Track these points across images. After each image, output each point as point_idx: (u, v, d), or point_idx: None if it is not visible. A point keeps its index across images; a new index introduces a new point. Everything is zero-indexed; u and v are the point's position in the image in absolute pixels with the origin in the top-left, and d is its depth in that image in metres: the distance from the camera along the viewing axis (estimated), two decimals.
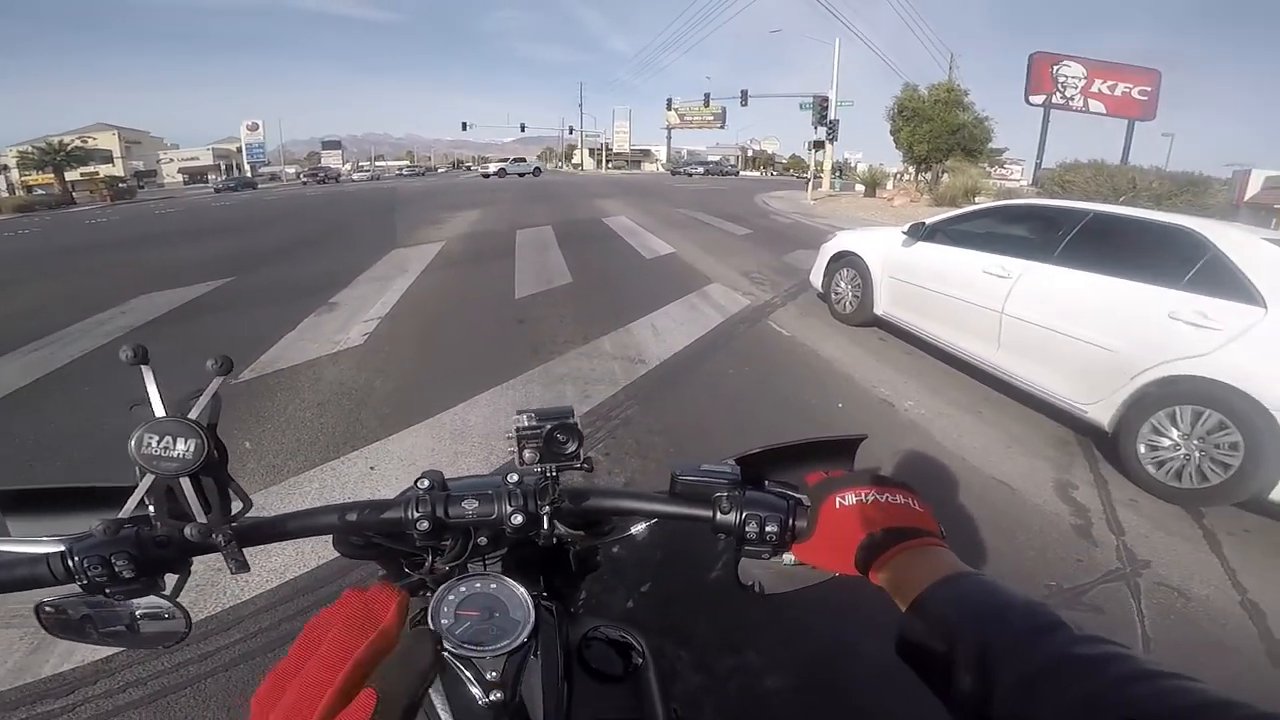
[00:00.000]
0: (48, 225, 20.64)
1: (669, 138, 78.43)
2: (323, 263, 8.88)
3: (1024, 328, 3.61)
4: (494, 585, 0.61)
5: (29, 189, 42.91)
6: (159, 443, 0.50)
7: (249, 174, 60.56)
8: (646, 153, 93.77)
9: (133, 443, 0.49)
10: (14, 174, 45.55)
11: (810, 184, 24.89)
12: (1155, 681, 0.35)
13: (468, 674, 0.55)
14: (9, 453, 3.22)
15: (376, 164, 76.80)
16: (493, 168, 56.15)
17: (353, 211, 18.72)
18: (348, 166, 67.71)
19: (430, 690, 0.54)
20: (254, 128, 72.03)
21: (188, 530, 0.51)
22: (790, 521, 0.58)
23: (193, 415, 0.51)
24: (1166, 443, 2.86)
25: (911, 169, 24.48)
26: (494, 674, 0.54)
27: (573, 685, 0.62)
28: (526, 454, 0.62)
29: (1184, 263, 3.06)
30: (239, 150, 71.74)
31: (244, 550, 0.56)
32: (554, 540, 0.64)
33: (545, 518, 0.61)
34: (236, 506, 0.55)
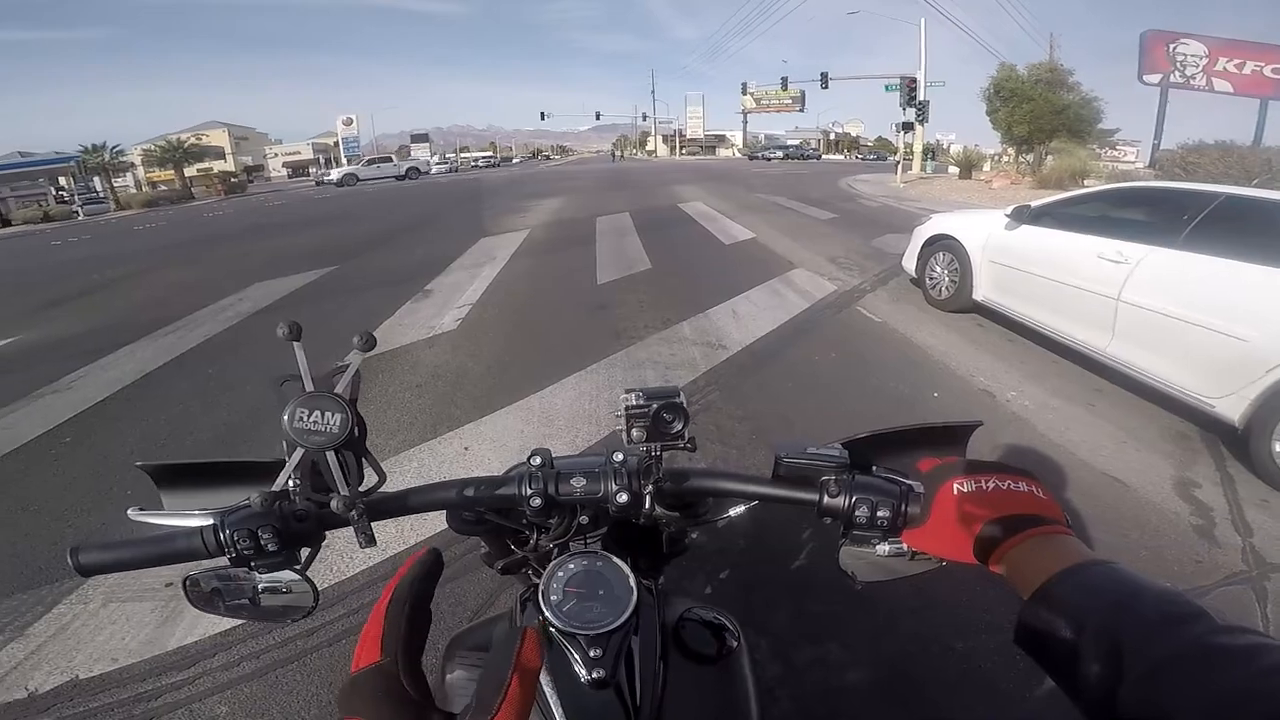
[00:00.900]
0: (172, 219, 22.67)
1: (745, 122, 77.03)
2: (417, 251, 9.32)
3: (1143, 315, 3.36)
4: (600, 563, 0.62)
5: (154, 185, 47.02)
6: (309, 416, 0.51)
7: (346, 166, 63.81)
8: (721, 138, 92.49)
9: (286, 416, 0.51)
10: (140, 171, 49.96)
11: (899, 166, 23.87)
12: None
13: (572, 652, 0.56)
14: (147, 429, 3.56)
15: (459, 155, 79.31)
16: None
17: (442, 202, 19.49)
18: (435, 158, 70.21)
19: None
20: (349, 122, 75.90)
21: (333, 502, 0.53)
22: (903, 507, 0.57)
23: (338, 390, 0.53)
24: None
25: (1011, 150, 23.12)
26: (596, 651, 0.55)
27: (669, 665, 0.62)
28: (634, 432, 0.63)
29: None
30: (336, 144, 75.85)
31: (372, 525, 0.57)
32: (651, 521, 0.65)
33: (648, 497, 0.62)
34: (370, 480, 0.57)
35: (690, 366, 4.08)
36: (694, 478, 0.65)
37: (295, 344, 0.52)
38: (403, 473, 2.86)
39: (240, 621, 1.90)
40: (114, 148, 36.74)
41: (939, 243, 5.36)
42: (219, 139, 65.17)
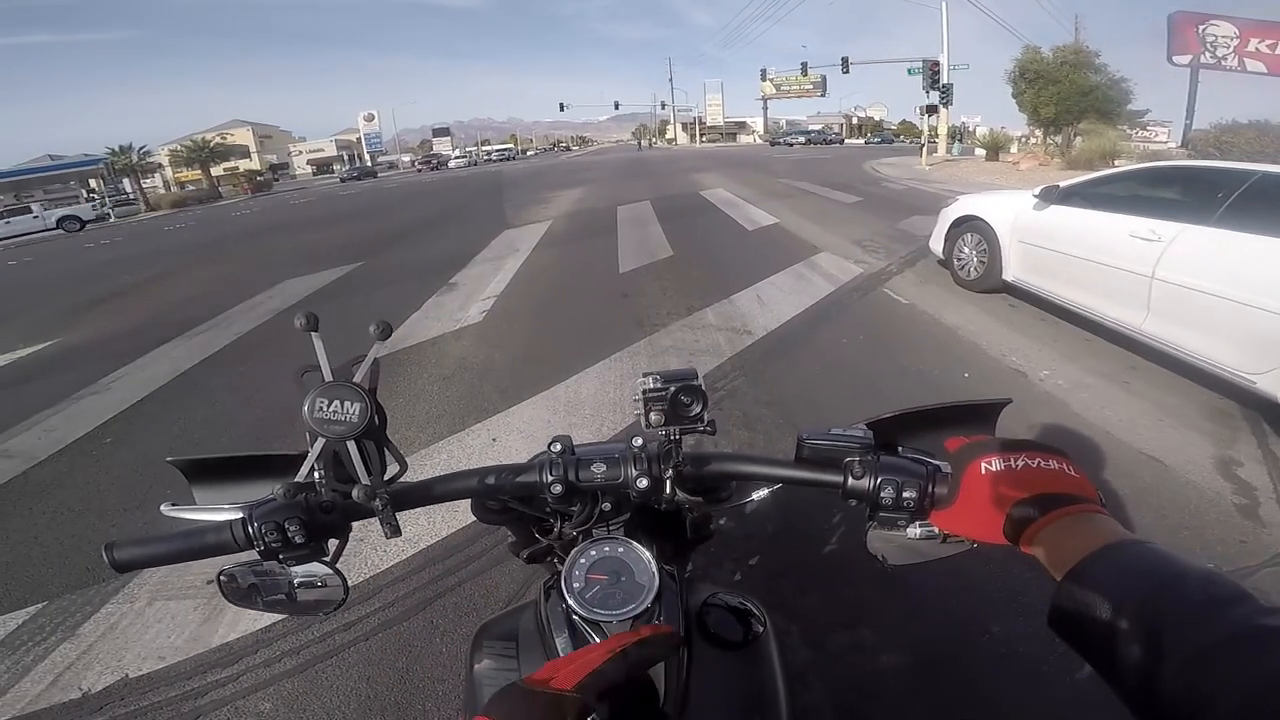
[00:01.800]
0: (200, 218, 23.19)
1: (765, 108, 76.03)
2: (441, 245, 9.42)
3: (1178, 292, 3.29)
4: (621, 549, 0.63)
5: (181, 185, 48.02)
6: (329, 406, 0.52)
7: (369, 163, 64.62)
8: (742, 124, 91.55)
9: (306, 407, 0.51)
10: (167, 171, 51.04)
11: (924, 149, 23.48)
12: None
13: (596, 638, 0.57)
14: (184, 427, 3.66)
15: (478, 149, 79.58)
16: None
17: (464, 195, 19.63)
18: (456, 152, 70.60)
19: (561, 654, 0.58)
20: (370, 118, 76.71)
21: (355, 492, 0.53)
22: (930, 487, 0.56)
23: (356, 379, 0.53)
24: None
25: (1039, 132, 22.61)
26: None
27: (693, 651, 0.62)
28: (652, 416, 0.62)
29: None
30: (358, 140, 76.71)
31: (397, 515, 0.57)
32: (673, 506, 0.64)
33: (669, 482, 0.61)
34: (392, 470, 0.57)
35: (715, 352, 4.08)
36: (715, 461, 0.64)
37: (313, 335, 0.52)
38: (432, 465, 2.89)
39: (278, 617, 1.92)
40: (141, 148, 37.55)
41: (966, 224, 5.28)
42: (243, 138, 66.28)
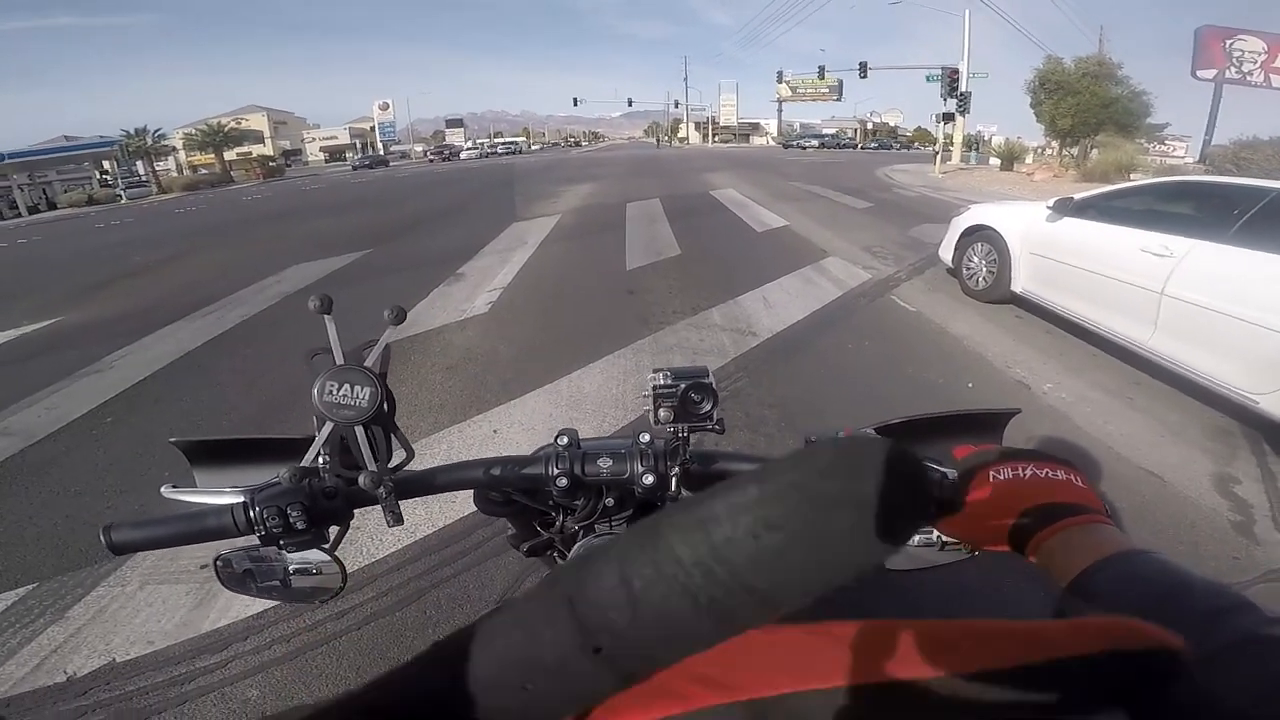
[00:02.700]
0: (212, 201, 23.27)
1: (780, 110, 75.82)
2: (449, 235, 9.44)
3: (1187, 309, 3.28)
4: None
5: (194, 168, 48.20)
6: (339, 390, 0.51)
7: (381, 152, 64.76)
8: (756, 126, 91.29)
9: (316, 390, 0.51)
10: (181, 155, 51.18)
11: (939, 157, 23.40)
12: None
13: None
14: (186, 408, 3.66)
15: (490, 141, 79.53)
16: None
17: (475, 186, 19.66)
18: (469, 143, 70.67)
19: None
20: (385, 107, 76.80)
21: (362, 478, 0.52)
22: (936, 494, 0.55)
23: (368, 364, 0.53)
24: None
25: (1055, 143, 22.49)
26: None
27: None
28: (661, 412, 0.62)
29: None
30: (372, 129, 76.83)
31: (400, 504, 0.57)
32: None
33: (674, 479, 0.61)
34: (398, 458, 0.57)
35: (719, 352, 4.08)
36: (722, 460, 0.64)
37: (326, 317, 0.51)
38: (433, 455, 2.88)
39: (271, 604, 1.87)
40: (156, 131, 37.69)
41: (977, 233, 5.26)
42: (258, 123, 66.47)
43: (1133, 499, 2.53)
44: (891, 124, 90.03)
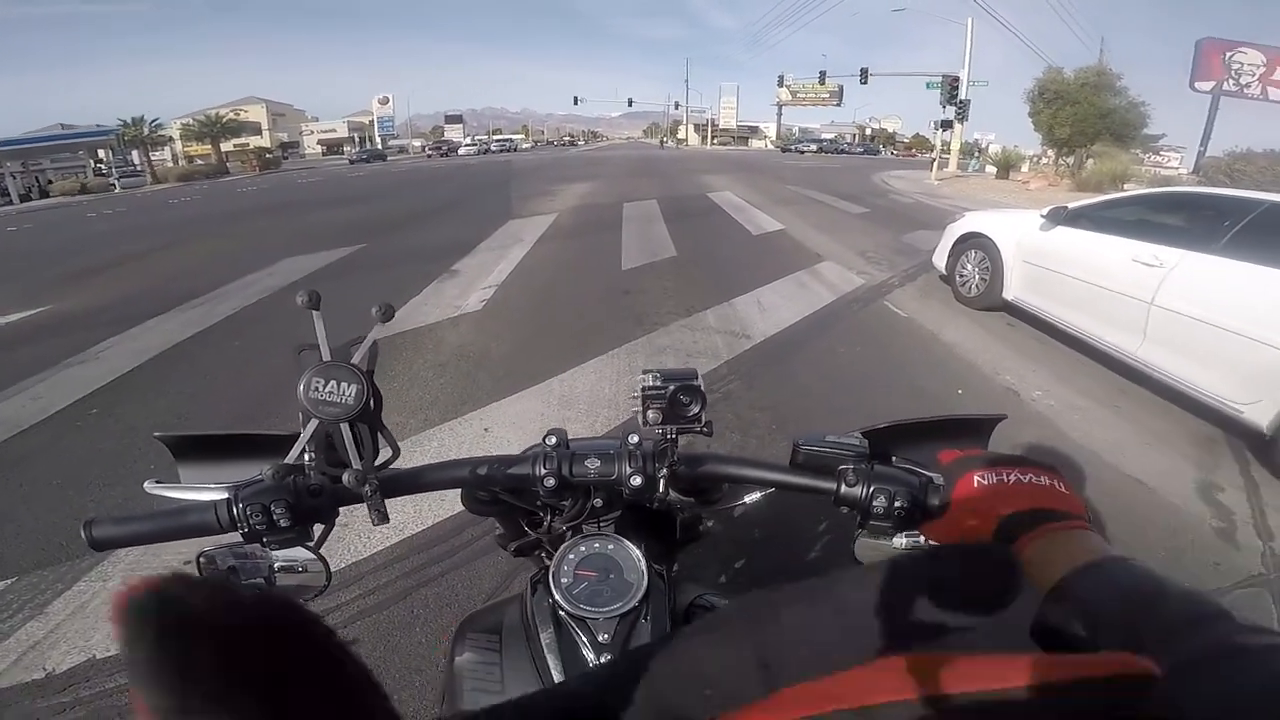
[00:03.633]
0: (206, 193, 23.09)
1: (779, 114, 76.03)
2: (445, 231, 9.42)
3: (1175, 320, 3.32)
4: (611, 546, 0.63)
5: (190, 159, 47.80)
6: (325, 386, 0.51)
7: (379, 146, 64.53)
8: (755, 129, 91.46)
9: (301, 386, 0.50)
10: (178, 145, 50.79)
11: (935, 164, 23.53)
12: None
13: (581, 635, 0.57)
14: (172, 401, 3.61)
15: (489, 137, 79.23)
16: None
17: (472, 183, 19.63)
18: (468, 139, 70.49)
19: (545, 649, 0.58)
20: (384, 101, 76.50)
21: (346, 476, 0.52)
22: (922, 498, 0.56)
23: (354, 361, 0.52)
24: None
25: (1051, 152, 22.66)
26: (605, 636, 0.56)
27: None
28: (650, 414, 0.62)
29: None
30: (370, 123, 76.54)
31: (385, 502, 0.56)
32: (665, 505, 0.64)
33: (662, 481, 0.61)
34: (384, 456, 0.56)
35: (712, 354, 4.09)
36: (710, 462, 0.64)
37: (314, 313, 0.51)
38: (423, 452, 2.87)
39: None
40: (153, 121, 37.45)
41: (971, 240, 5.30)
42: (257, 114, 66.08)
43: (1118, 505, 2.56)
44: (890, 130, 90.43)
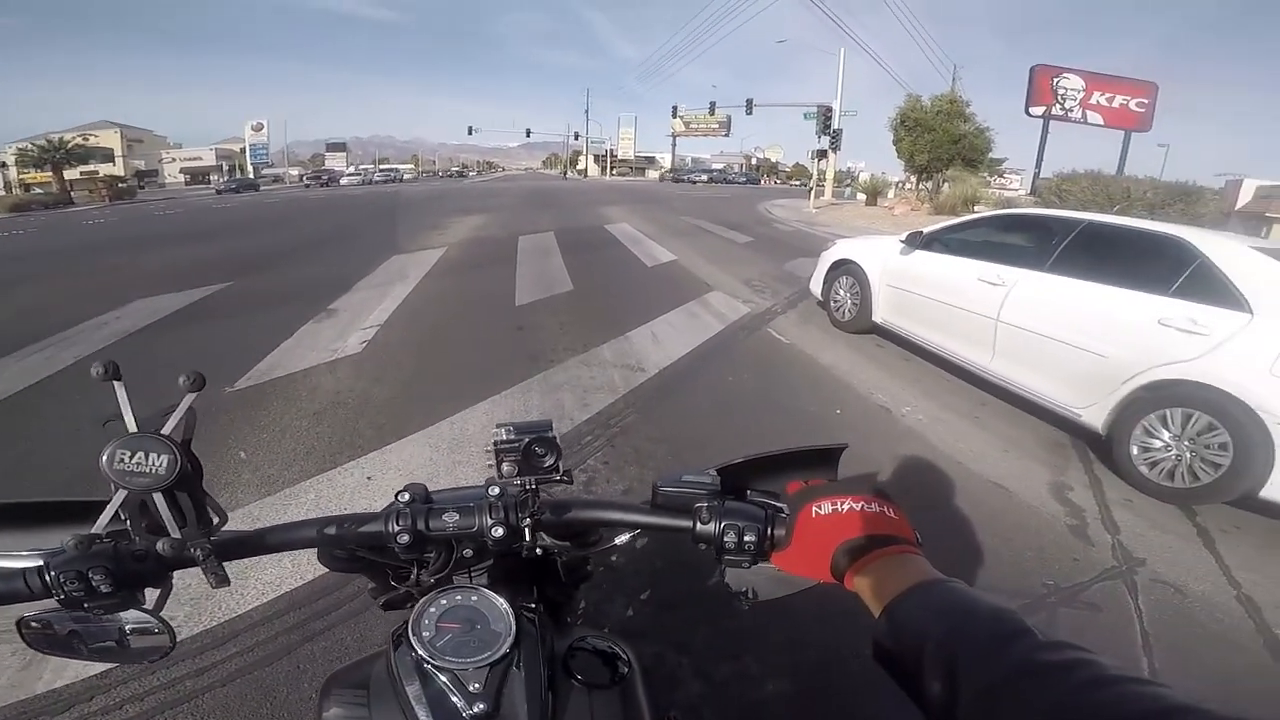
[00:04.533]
0: (44, 226, 20.47)
1: (674, 145, 78.50)
2: (321, 268, 8.87)
3: (1019, 334, 3.67)
4: (474, 598, 0.63)
5: (26, 187, 42.75)
6: (131, 458, 0.50)
7: (251, 175, 60.58)
8: (651, 159, 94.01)
9: (104, 458, 0.49)
10: (12, 172, 45.29)
11: (812, 193, 25.00)
12: (1118, 687, 0.35)
13: (451, 687, 0.56)
14: (2, 461, 3.17)
15: (374, 167, 76.15)
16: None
17: (353, 216, 18.74)
18: (350, 169, 67.50)
19: (414, 701, 0.56)
20: (259, 128, 72.15)
21: (160, 545, 0.51)
22: (769, 530, 0.59)
23: (165, 430, 0.51)
24: (1158, 444, 2.92)
25: (913, 178, 24.57)
26: (476, 685, 0.56)
27: (558, 695, 0.62)
28: (505, 467, 0.63)
29: (1174, 270, 3.13)
30: (242, 151, 71.84)
31: (224, 565, 0.56)
32: (538, 551, 0.65)
33: (527, 530, 0.61)
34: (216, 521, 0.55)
35: (610, 389, 4.07)
36: (575, 509, 0.65)
37: (116, 383, 0.50)
38: (299, 504, 2.70)
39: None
40: None
41: (842, 267, 5.62)
42: (110, 140, 60.26)
43: (984, 509, 2.76)
44: (773, 159, 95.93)
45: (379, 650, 0.67)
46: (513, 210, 19.69)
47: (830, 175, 29.08)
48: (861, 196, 27.76)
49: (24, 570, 0.53)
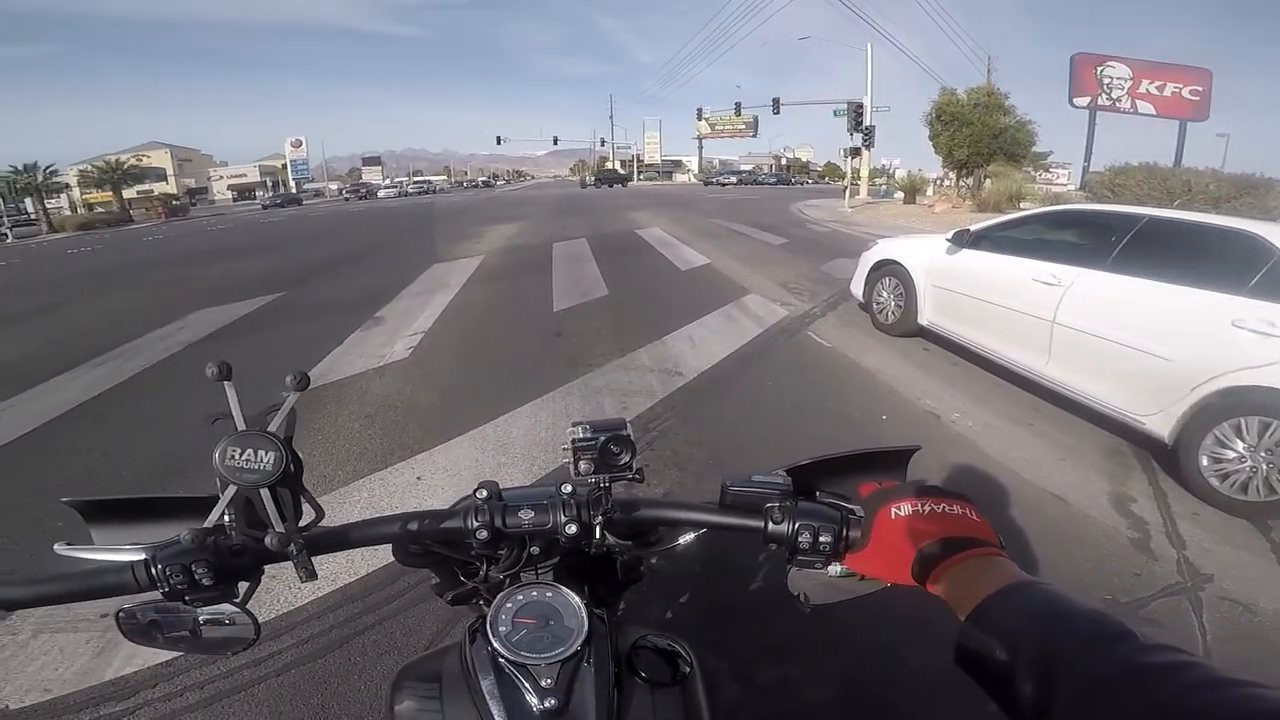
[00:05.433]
0: (109, 242, 21.77)
1: (700, 147, 78.43)
2: (367, 278, 9.15)
3: (1076, 337, 3.51)
4: (549, 594, 0.63)
5: (90, 207, 45.05)
6: (241, 455, 0.52)
7: (294, 190, 62.46)
8: (678, 163, 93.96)
9: (217, 455, 0.51)
10: (75, 192, 47.83)
11: (847, 191, 24.61)
12: (1229, 690, 0.34)
13: (524, 682, 0.56)
14: (81, 462, 3.39)
15: (409, 179, 77.50)
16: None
17: (393, 227, 19.22)
18: (386, 181, 69.18)
19: (487, 696, 0.57)
20: (298, 144, 74.51)
21: (267, 539, 0.53)
22: (844, 532, 0.59)
23: (272, 428, 0.53)
24: (1231, 455, 2.75)
25: (952, 174, 24.02)
26: (548, 681, 0.56)
27: (623, 692, 0.62)
28: (582, 465, 0.64)
29: (1248, 268, 2.94)
30: (284, 167, 74.22)
31: (312, 559, 0.58)
32: (604, 550, 0.65)
33: (597, 528, 0.63)
34: (308, 516, 0.57)
35: (648, 393, 4.08)
36: (643, 508, 0.66)
37: (226, 383, 0.52)
38: (353, 503, 2.80)
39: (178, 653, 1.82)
40: (48, 168, 35.26)
41: (885, 268, 5.50)
42: (161, 160, 63.22)
43: (1040, 520, 2.65)
44: (804, 159, 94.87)
45: (450, 644, 0.68)
46: (544, 218, 19.91)
47: (865, 173, 28.57)
48: (899, 194, 27.23)
49: (132, 564, 0.56)
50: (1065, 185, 26.51)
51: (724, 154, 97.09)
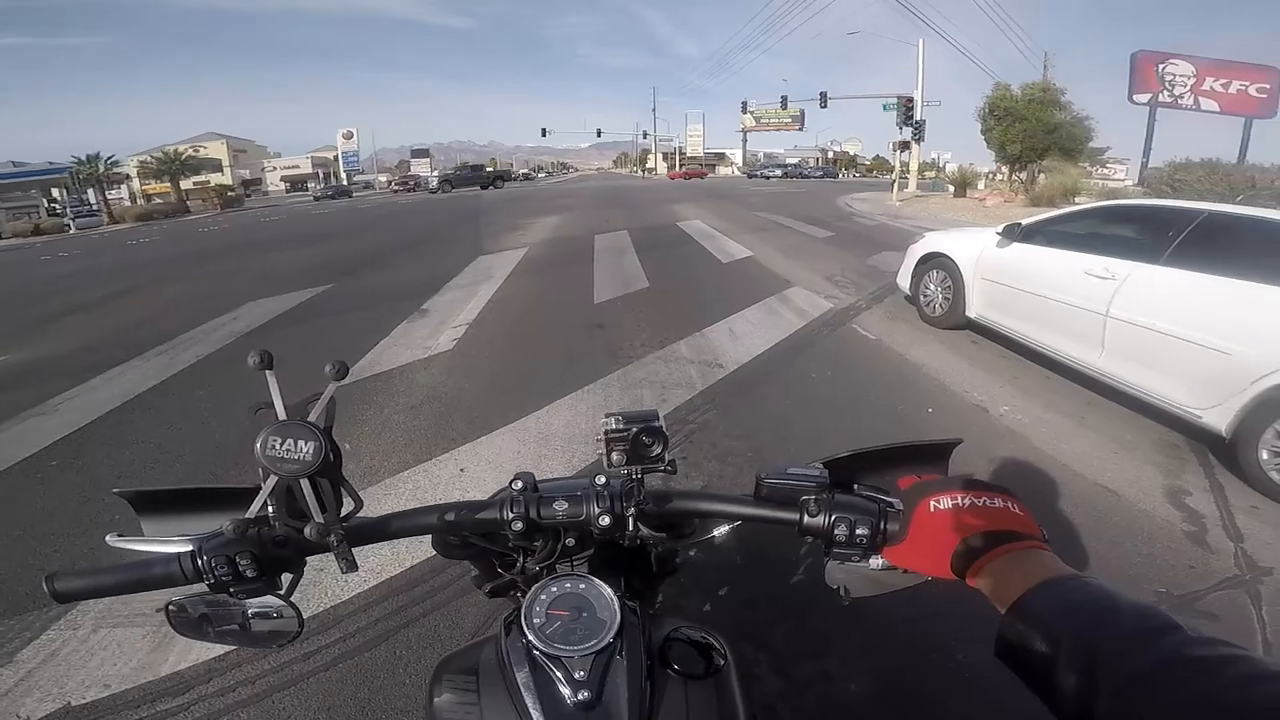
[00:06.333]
0: (166, 233, 22.55)
1: (744, 140, 77.55)
2: (413, 269, 9.33)
3: (1131, 331, 3.43)
4: (583, 585, 0.64)
5: (148, 198, 46.35)
6: (282, 445, 0.52)
7: (344, 182, 63.91)
8: (721, 156, 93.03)
9: (258, 445, 0.52)
10: (135, 183, 49.45)
11: (895, 185, 24.12)
12: (1278, 683, 0.33)
13: (557, 674, 0.57)
14: (136, 452, 3.50)
15: (456, 171, 78.41)
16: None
17: (440, 219, 19.57)
18: (435, 173, 70.18)
19: (522, 688, 0.58)
20: (349, 136, 76.05)
21: (308, 529, 0.54)
22: (881, 525, 0.58)
23: (311, 418, 0.53)
24: None
25: (1005, 169, 23.37)
26: (581, 673, 0.57)
27: (655, 685, 0.62)
28: (614, 456, 0.64)
29: None
30: (335, 158, 75.96)
31: (353, 550, 0.58)
32: (638, 542, 0.66)
33: (631, 519, 0.63)
34: (347, 507, 0.57)
35: (687, 385, 4.09)
36: (677, 499, 0.66)
37: (268, 372, 0.52)
38: (398, 494, 2.84)
39: (230, 647, 1.87)
40: (109, 159, 36.35)
41: (933, 260, 5.42)
42: (217, 151, 65.04)
43: (1091, 514, 2.62)
44: (851, 152, 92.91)
45: (487, 637, 0.69)
46: (587, 210, 20.01)
47: (914, 167, 27.91)
48: (949, 188, 26.53)
49: (179, 555, 0.57)
50: (1123, 180, 25.61)
51: (769, 147, 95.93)
